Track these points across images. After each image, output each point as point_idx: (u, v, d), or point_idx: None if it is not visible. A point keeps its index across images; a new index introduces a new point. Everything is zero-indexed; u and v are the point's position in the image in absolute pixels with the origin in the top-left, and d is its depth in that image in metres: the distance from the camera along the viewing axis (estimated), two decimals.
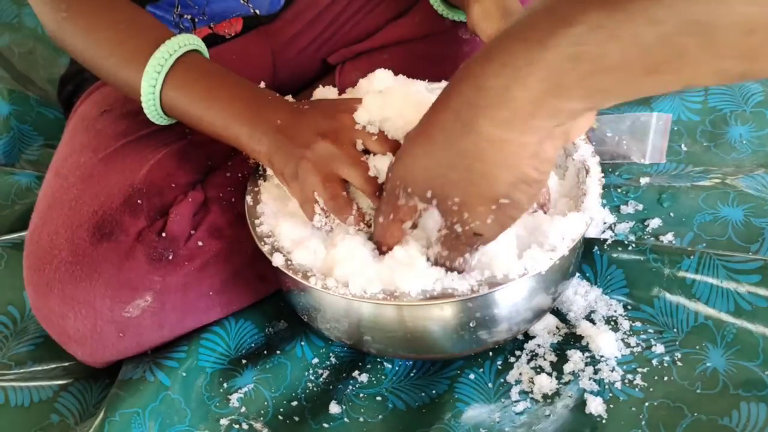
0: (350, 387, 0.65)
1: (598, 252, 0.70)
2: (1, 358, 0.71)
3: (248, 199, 0.65)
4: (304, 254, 0.59)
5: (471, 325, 0.58)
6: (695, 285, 0.66)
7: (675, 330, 0.65)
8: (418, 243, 0.57)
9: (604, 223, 0.76)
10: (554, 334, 0.66)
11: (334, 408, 0.63)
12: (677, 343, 0.64)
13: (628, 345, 0.64)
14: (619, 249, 0.70)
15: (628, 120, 0.87)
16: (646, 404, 0.59)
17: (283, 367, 0.66)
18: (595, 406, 0.60)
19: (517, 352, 0.65)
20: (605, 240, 0.71)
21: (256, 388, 0.65)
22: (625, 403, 0.60)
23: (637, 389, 0.61)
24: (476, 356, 0.65)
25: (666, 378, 0.61)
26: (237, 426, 0.62)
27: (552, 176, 0.64)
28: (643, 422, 0.58)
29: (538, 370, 0.64)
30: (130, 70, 0.63)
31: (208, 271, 0.67)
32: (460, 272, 0.55)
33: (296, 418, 0.63)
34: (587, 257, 0.70)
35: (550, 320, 0.67)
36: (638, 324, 0.66)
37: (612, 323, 0.66)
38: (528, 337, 0.66)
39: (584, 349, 0.64)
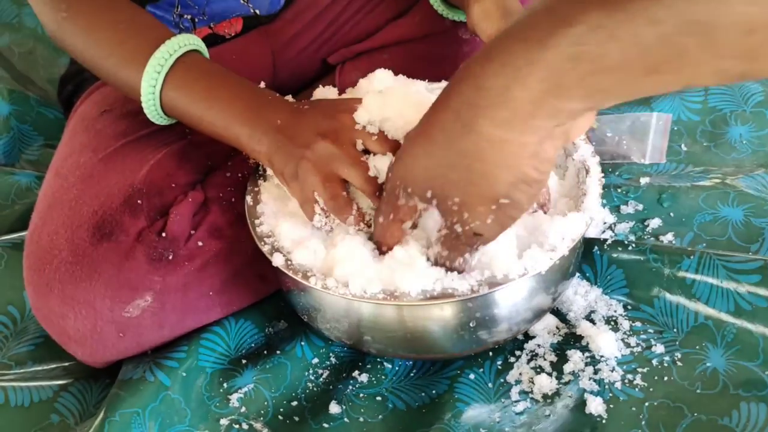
0: (350, 387, 0.65)
1: (598, 252, 0.70)
2: (1, 358, 0.71)
3: (248, 199, 0.65)
4: (304, 254, 0.59)
5: (471, 325, 0.57)
6: (695, 285, 0.66)
7: (675, 330, 0.65)
8: (418, 243, 0.57)
9: (604, 223, 0.76)
10: (554, 334, 0.66)
11: (334, 408, 0.63)
12: (677, 343, 0.64)
13: (628, 345, 0.64)
14: (619, 249, 0.70)
15: (628, 120, 0.87)
16: (646, 404, 0.59)
17: (283, 367, 0.66)
18: (595, 406, 0.60)
19: (517, 352, 0.65)
20: (605, 240, 0.71)
21: (256, 388, 0.65)
22: (625, 403, 0.60)
23: (637, 389, 0.61)
24: (476, 356, 0.65)
25: (666, 378, 0.61)
26: (237, 426, 0.62)
27: (552, 176, 0.64)
28: (643, 422, 0.58)
29: (538, 370, 0.63)
30: (130, 70, 0.63)
31: (208, 271, 0.67)
32: (460, 272, 0.55)
33: (296, 418, 0.63)
34: (587, 257, 0.70)
35: (550, 320, 0.67)
36: (638, 324, 0.66)
37: (612, 323, 0.66)
38: (528, 337, 0.66)
39: (584, 349, 0.64)
